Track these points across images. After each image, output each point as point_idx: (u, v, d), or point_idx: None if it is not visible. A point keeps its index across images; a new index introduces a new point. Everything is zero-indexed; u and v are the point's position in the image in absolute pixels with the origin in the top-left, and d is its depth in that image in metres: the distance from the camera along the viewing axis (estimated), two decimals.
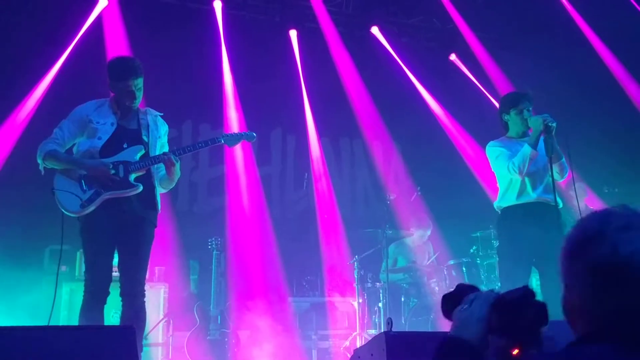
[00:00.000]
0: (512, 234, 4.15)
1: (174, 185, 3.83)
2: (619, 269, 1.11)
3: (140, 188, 3.57)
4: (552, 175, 3.90)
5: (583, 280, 1.16)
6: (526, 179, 4.11)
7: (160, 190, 3.82)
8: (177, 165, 3.66)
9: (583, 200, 5.99)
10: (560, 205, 4.12)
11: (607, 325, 1.11)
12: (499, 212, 4.33)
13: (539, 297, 1.26)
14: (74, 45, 6.62)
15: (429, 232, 6.78)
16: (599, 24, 7.55)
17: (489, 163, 4.39)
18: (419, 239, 6.74)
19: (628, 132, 7.25)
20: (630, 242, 1.12)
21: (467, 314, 1.36)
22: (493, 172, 4.42)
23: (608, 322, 1.12)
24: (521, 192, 4.14)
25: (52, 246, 5.69)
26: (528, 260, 4.07)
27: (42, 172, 3.61)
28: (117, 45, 6.62)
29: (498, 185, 4.36)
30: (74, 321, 4.02)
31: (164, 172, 3.78)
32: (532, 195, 4.12)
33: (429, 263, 6.52)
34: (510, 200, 4.18)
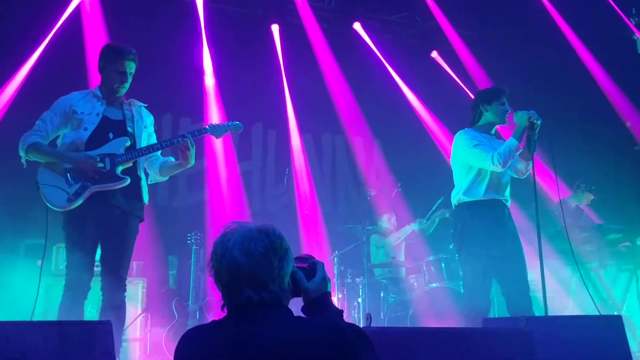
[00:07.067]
0: (479, 234, 3.90)
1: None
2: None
3: (128, 181, 3.50)
4: (534, 170, 3.86)
5: None
6: (498, 175, 3.99)
7: (158, 179, 3.77)
8: (193, 150, 3.58)
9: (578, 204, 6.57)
10: (509, 203, 4.09)
11: None
12: (460, 205, 4.06)
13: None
14: (52, 37, 6.49)
15: (394, 215, 6.93)
16: (580, 24, 7.63)
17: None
18: (387, 222, 6.84)
19: (604, 130, 7.34)
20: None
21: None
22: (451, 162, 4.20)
23: None
24: (489, 187, 3.97)
25: (27, 240, 5.60)
26: (491, 262, 3.87)
27: (24, 165, 3.52)
28: (96, 37, 6.52)
29: (458, 176, 4.12)
30: (50, 316, 3.96)
31: (162, 159, 3.73)
32: (498, 192, 3.99)
33: (408, 260, 6.55)
34: (477, 194, 3.98)
